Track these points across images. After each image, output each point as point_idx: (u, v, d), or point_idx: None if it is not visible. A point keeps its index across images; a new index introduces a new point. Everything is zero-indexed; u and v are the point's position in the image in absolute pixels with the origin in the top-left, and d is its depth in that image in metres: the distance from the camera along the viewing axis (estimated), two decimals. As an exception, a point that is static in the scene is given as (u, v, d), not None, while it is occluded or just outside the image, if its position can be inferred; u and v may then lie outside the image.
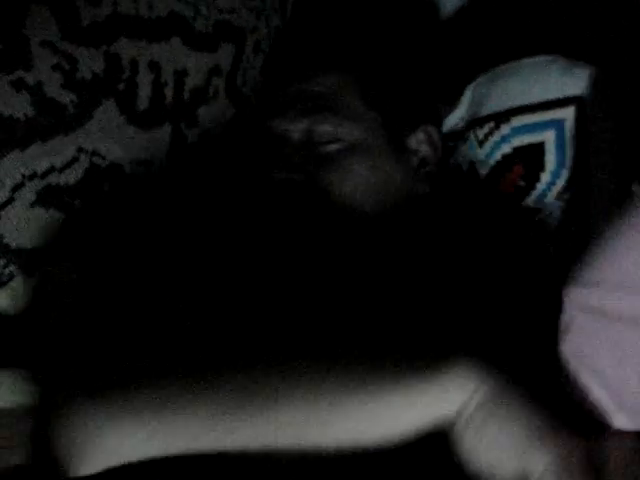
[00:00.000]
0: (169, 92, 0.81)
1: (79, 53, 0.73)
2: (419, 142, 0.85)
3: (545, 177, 0.82)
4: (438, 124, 0.90)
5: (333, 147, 0.79)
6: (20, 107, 0.69)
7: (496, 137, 0.85)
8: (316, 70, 0.83)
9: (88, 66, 0.74)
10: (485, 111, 0.86)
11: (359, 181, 0.79)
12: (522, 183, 0.83)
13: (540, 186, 0.83)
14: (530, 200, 0.83)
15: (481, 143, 0.86)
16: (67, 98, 0.72)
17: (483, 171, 0.85)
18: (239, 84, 0.89)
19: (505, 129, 0.84)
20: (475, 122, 0.87)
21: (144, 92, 0.79)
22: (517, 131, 0.84)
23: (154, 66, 0.79)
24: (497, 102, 0.86)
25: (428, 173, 0.85)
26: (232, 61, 0.87)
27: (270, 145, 0.82)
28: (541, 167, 0.82)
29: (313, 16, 0.98)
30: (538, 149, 0.83)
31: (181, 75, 0.82)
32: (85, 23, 0.73)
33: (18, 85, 0.69)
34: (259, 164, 0.82)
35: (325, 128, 0.80)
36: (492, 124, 0.85)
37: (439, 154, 0.86)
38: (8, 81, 0.69)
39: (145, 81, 0.79)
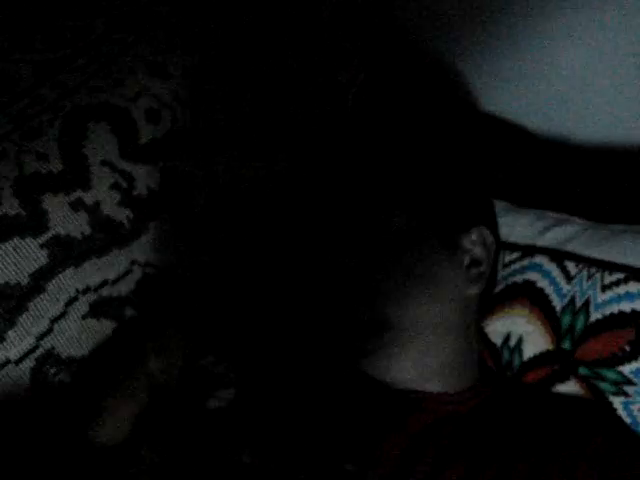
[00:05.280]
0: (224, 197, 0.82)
1: (136, 170, 0.74)
2: (472, 242, 0.85)
3: None
4: (492, 226, 0.89)
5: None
6: (77, 226, 0.70)
7: (621, 290, 0.83)
8: None
9: (144, 183, 0.75)
10: (620, 259, 0.85)
11: (406, 270, 0.79)
12: (627, 348, 0.80)
13: None
14: (625, 368, 0.81)
15: (604, 288, 0.84)
16: (123, 215, 0.73)
17: (596, 315, 0.84)
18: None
19: (633, 287, 0.82)
20: (607, 266, 0.85)
21: (199, 202, 0.80)
22: None
23: (211, 177, 0.80)
24: (635, 257, 0.84)
25: (480, 273, 0.84)
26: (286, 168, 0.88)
27: None
28: None
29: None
30: None
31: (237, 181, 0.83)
32: (143, 141, 0.74)
33: (76, 205, 0.70)
34: None
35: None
36: (622, 275, 0.83)
37: (491, 256, 0.86)
38: (67, 202, 0.69)
39: (201, 191, 0.80)
